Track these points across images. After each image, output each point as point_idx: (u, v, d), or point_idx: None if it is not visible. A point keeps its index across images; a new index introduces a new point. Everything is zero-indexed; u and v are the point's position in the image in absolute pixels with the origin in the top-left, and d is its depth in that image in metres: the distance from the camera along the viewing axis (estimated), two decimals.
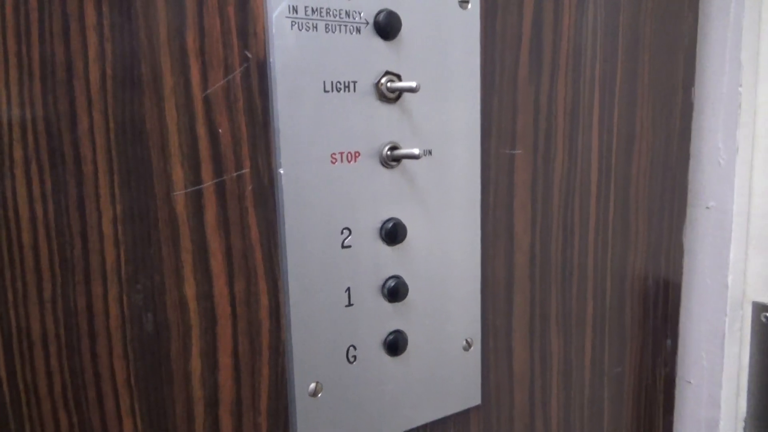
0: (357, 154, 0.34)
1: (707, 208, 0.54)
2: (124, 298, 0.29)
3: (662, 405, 0.56)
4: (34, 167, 0.26)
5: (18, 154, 0.26)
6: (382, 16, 0.34)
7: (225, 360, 0.32)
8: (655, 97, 0.49)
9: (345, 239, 0.34)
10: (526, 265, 0.44)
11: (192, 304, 0.31)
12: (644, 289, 0.52)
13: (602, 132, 0.46)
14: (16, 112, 0.26)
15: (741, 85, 0.51)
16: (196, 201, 0.30)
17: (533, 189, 0.43)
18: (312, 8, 0.32)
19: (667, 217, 0.53)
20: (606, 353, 0.50)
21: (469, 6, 0.37)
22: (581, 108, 0.45)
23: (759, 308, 0.54)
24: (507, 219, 0.42)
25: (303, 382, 0.34)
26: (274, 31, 0.31)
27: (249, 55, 0.31)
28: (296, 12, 0.31)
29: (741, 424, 0.55)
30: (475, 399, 0.41)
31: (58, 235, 0.27)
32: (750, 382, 0.55)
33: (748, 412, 0.55)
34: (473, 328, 0.41)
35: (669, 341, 0.55)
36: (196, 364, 0.31)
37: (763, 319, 0.53)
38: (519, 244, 0.43)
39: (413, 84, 0.33)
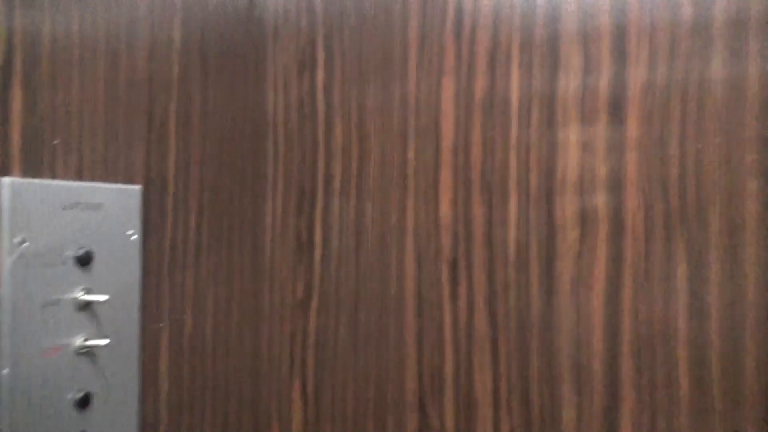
0: (59, 348, 0.48)
1: None
2: None
3: None
4: None
5: None
6: (81, 252, 0.50)
7: None
8: None
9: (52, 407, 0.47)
10: None
11: None
12: None
13: None
14: None
15: None
16: None
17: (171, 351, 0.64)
18: (35, 252, 0.46)
19: None
20: None
21: (134, 236, 0.57)
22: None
23: None
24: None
25: None
26: (7, 269, 0.44)
27: None
28: (24, 257, 0.45)
29: None
30: None
31: None
32: None
33: None
34: None
35: None
36: None
37: None
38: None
39: (102, 297, 0.51)
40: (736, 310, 0.59)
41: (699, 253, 0.59)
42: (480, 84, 0.66)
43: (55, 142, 0.49)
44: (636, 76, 0.61)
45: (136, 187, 0.57)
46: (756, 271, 0.58)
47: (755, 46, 0.58)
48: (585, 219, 0.63)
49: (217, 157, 0.68)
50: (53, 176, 0.49)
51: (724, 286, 0.59)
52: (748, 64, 0.58)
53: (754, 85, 0.58)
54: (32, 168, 0.47)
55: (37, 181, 0.47)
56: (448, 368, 0.68)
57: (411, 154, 0.68)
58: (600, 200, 0.62)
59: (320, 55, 0.71)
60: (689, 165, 0.60)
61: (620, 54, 0.61)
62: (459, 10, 0.66)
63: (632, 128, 0.61)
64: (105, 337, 0.53)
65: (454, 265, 0.68)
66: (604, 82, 0.62)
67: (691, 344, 0.60)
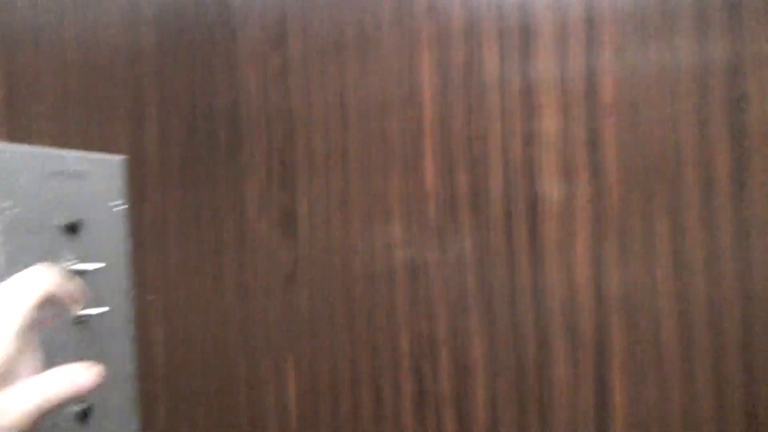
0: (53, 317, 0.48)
1: None
2: None
3: None
4: None
5: None
6: (69, 221, 0.49)
7: None
8: None
9: None
10: None
11: None
12: None
13: None
14: None
15: None
16: None
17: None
18: (23, 218, 0.45)
19: None
20: None
21: (120, 207, 0.56)
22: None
23: None
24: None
25: None
26: None
27: None
28: (13, 223, 0.44)
29: None
30: None
31: None
32: None
33: None
34: None
35: None
36: None
37: None
38: None
39: (96, 266, 0.50)
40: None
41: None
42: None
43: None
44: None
45: (119, 158, 0.56)
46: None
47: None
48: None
49: (190, 135, 0.68)
50: (38, 143, 0.48)
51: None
52: (682, 53, 0.61)
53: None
54: (16, 134, 0.46)
55: (21, 146, 0.46)
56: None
57: None
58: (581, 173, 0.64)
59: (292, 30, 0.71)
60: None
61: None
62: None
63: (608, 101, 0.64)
64: (100, 306, 0.52)
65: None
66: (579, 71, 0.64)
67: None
